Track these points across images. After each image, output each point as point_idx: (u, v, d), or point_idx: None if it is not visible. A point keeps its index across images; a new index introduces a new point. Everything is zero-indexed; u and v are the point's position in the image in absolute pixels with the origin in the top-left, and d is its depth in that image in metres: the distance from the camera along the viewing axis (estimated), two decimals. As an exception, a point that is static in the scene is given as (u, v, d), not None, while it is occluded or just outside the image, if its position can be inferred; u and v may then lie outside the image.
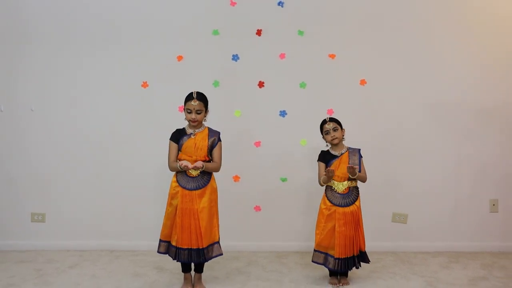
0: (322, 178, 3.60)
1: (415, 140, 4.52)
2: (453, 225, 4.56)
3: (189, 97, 3.44)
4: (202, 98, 3.45)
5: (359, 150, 3.65)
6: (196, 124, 3.45)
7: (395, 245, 4.52)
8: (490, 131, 4.56)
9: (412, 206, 4.54)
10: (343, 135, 3.65)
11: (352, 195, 3.58)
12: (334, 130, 3.59)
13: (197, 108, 3.41)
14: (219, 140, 3.52)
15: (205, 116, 3.50)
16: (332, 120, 3.62)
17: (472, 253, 4.48)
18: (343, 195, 3.57)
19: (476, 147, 4.55)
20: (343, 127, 3.65)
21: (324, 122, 3.64)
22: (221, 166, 3.53)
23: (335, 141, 3.60)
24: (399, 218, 4.56)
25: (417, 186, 4.52)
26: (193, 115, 3.41)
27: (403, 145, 4.52)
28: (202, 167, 3.39)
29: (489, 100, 4.54)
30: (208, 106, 3.50)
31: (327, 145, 3.67)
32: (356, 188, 3.62)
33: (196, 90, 3.47)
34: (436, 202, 4.54)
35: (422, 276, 3.83)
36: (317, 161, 3.69)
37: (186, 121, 3.50)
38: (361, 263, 3.63)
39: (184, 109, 3.47)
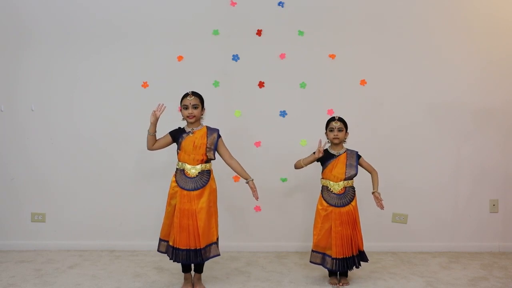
0: (305, 159, 3.64)
1: (415, 140, 4.52)
2: (453, 225, 4.57)
3: (185, 95, 3.46)
4: (197, 94, 3.47)
5: (357, 152, 3.66)
6: (194, 120, 3.43)
7: (395, 245, 4.52)
8: (490, 132, 4.56)
9: (412, 206, 4.54)
10: (346, 138, 3.66)
11: (348, 195, 3.59)
12: (339, 130, 3.60)
13: (193, 102, 3.41)
14: (219, 136, 3.50)
15: (202, 114, 3.49)
16: (341, 120, 3.63)
17: (472, 253, 4.49)
18: (339, 195, 3.58)
19: (476, 147, 4.55)
20: (348, 131, 3.66)
21: (332, 119, 3.64)
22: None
23: (336, 141, 3.61)
24: (399, 218, 4.56)
25: (417, 186, 4.53)
26: (189, 110, 3.41)
27: (403, 145, 4.52)
28: (252, 183, 3.50)
29: (489, 100, 4.55)
30: (205, 104, 3.50)
31: (327, 141, 3.68)
32: (353, 188, 3.63)
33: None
34: (436, 202, 4.54)
35: (422, 276, 3.83)
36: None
37: (184, 120, 3.50)
38: (361, 262, 3.64)
39: (180, 109, 3.47)
